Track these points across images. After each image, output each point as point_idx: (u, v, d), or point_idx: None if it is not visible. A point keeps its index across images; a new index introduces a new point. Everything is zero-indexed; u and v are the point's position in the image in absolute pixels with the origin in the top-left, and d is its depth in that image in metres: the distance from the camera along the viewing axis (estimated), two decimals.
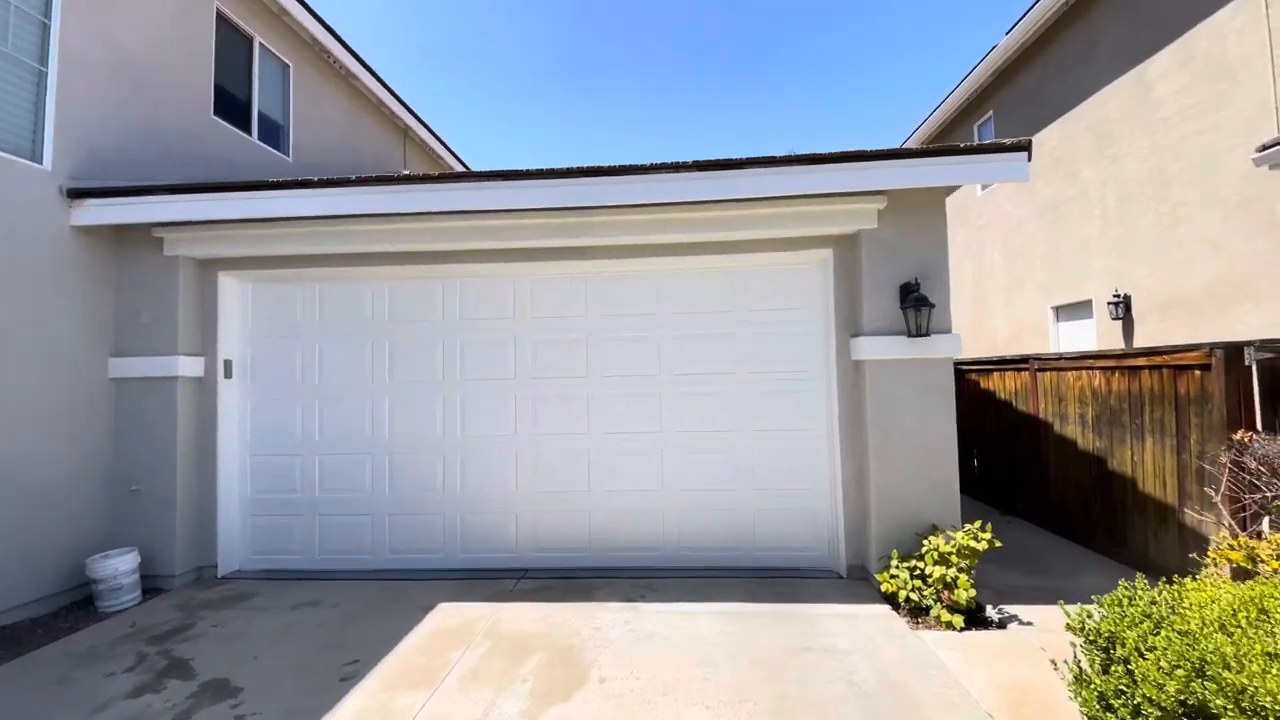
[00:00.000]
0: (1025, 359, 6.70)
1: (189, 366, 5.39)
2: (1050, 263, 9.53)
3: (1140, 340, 7.48)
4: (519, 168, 4.62)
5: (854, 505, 5.03)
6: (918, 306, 4.58)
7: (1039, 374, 6.47)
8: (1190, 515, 4.51)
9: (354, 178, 4.83)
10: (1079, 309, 8.92)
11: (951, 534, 4.30)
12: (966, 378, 8.08)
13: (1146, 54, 7.37)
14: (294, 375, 5.69)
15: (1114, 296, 7.75)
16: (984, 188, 11.76)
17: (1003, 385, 7.24)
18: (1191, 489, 4.52)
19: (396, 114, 10.98)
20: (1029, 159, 4.36)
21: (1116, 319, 7.77)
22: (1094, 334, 8.39)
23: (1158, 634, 2.20)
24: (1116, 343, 7.91)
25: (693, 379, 5.39)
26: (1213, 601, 2.28)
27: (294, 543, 5.63)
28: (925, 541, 4.37)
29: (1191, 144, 6.72)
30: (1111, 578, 4.91)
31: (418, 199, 4.82)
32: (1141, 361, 4.93)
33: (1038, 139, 9.72)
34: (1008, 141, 4.37)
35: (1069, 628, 2.56)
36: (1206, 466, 4.35)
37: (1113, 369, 5.31)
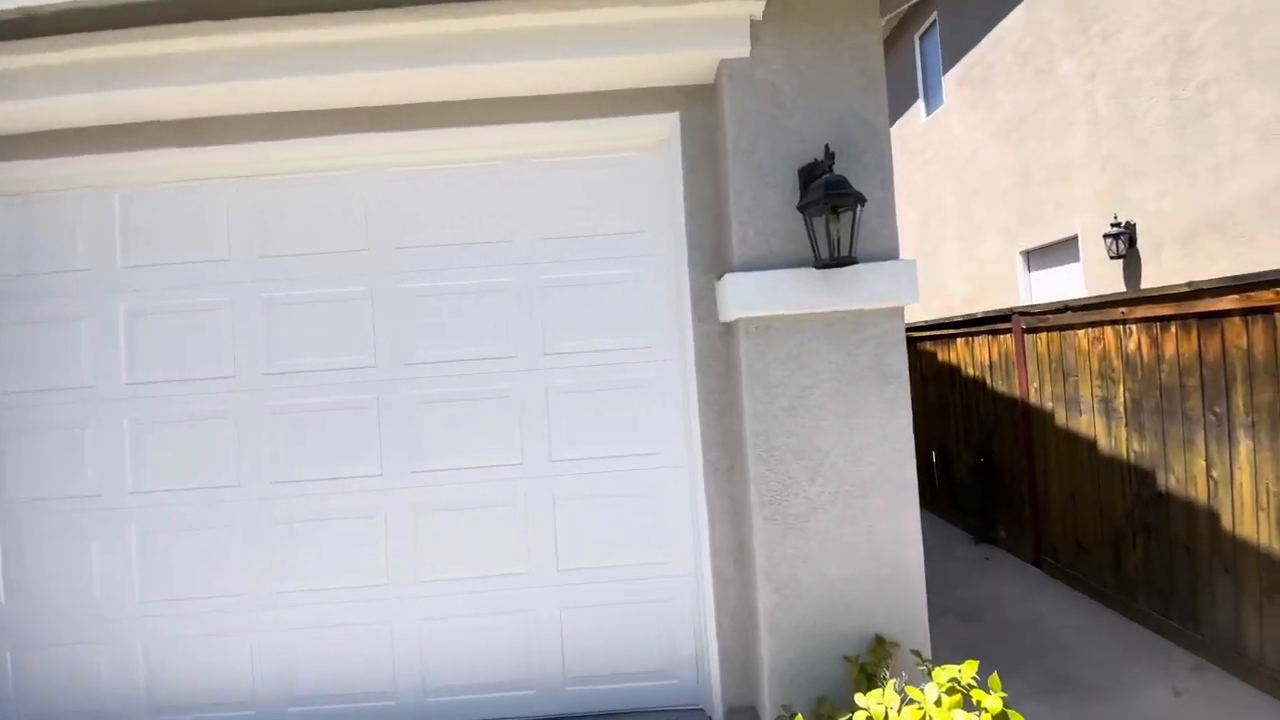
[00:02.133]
0: (1006, 315, 4.66)
1: None
2: (1017, 197, 7.62)
3: (1152, 284, 5.56)
4: None
5: (735, 596, 2.80)
6: (833, 205, 2.32)
7: (1029, 336, 4.42)
8: None
9: None
10: (1059, 251, 7.04)
11: (908, 687, 2.07)
12: (919, 348, 6.03)
13: None
14: None
15: (1112, 227, 5.83)
16: (928, 111, 9.82)
17: (970, 356, 5.20)
18: None
19: None
20: None
21: (1116, 257, 5.86)
22: (1082, 281, 6.50)
23: None
24: (1115, 289, 6.00)
25: (438, 371, 3.00)
26: None
27: None
28: (868, 691, 2.14)
29: None
30: (1194, 692, 2.85)
31: None
32: (1229, 302, 2.85)
33: (995, 34, 7.76)
34: None
35: None
36: None
37: (1167, 320, 3.24)
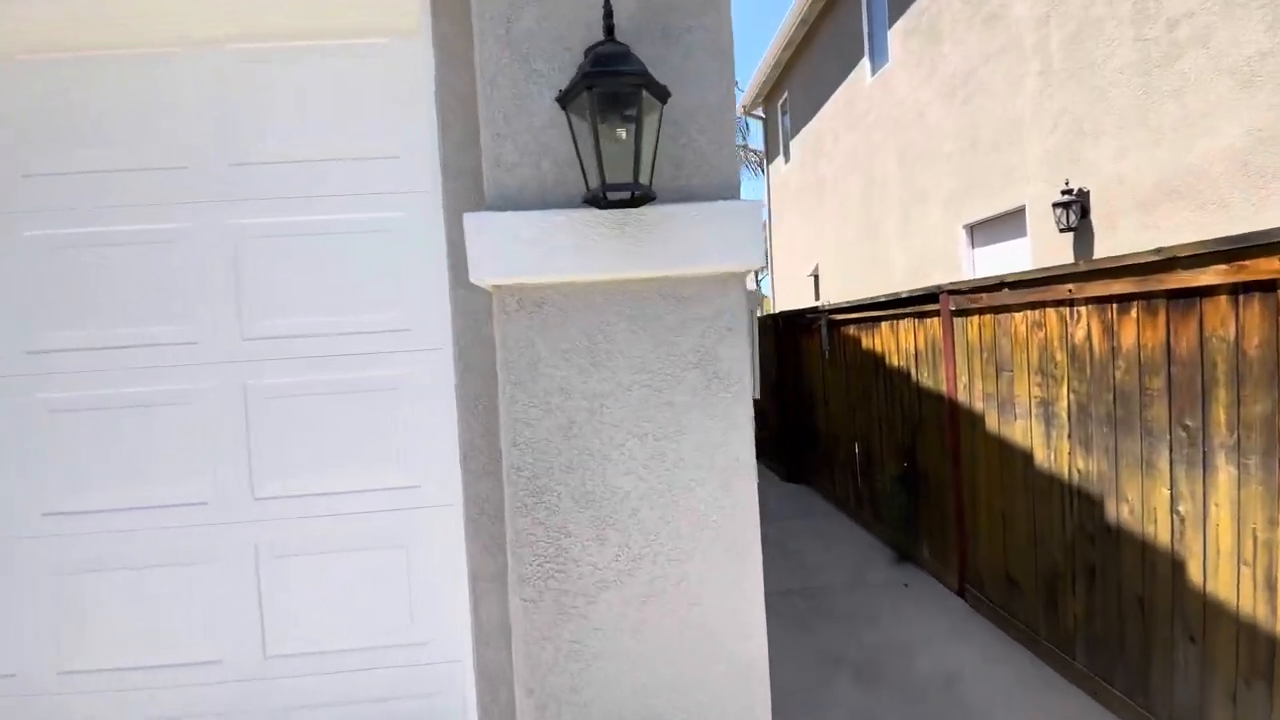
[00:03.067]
0: (933, 295, 3.87)
1: None
2: (963, 163, 6.88)
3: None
4: None
5: (510, 699, 1.92)
6: (615, 100, 1.40)
7: (958, 320, 3.64)
8: None
9: None
10: (1006, 224, 6.33)
11: None
12: (842, 332, 5.26)
13: None
14: None
15: (1063, 194, 5.11)
16: (874, 70, 9.01)
17: (895, 343, 4.43)
18: None
19: None
20: None
21: (1066, 230, 5.15)
22: (1029, 257, 5.80)
23: None
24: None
25: (74, 364, 2.01)
26: None
27: None
28: None
29: None
30: None
31: None
32: (1214, 275, 2.08)
33: None
34: None
35: None
36: None
37: (1126, 300, 2.46)
